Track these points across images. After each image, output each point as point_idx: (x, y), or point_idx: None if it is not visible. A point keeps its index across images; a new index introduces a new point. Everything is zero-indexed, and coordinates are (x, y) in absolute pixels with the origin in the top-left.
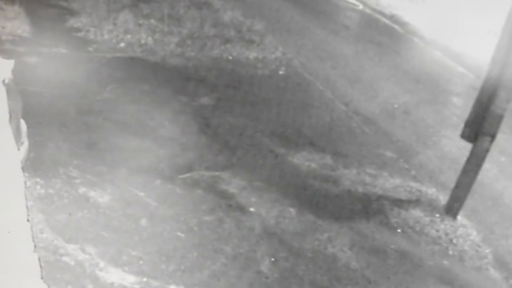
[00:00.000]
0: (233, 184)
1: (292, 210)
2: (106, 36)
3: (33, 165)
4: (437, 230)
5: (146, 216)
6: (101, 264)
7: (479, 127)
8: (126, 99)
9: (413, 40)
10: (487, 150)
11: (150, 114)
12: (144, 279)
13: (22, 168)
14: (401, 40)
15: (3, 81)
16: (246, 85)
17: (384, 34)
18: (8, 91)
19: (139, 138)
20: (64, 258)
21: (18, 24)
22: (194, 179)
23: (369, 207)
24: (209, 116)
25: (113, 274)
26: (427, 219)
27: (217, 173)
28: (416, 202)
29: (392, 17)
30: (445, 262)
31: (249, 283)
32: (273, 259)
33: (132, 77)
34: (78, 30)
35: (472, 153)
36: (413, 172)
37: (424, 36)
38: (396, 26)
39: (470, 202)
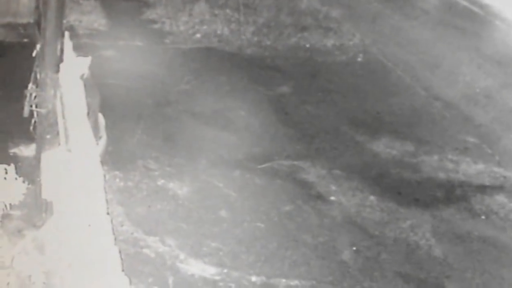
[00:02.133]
0: (312, 173)
1: (373, 198)
2: (181, 27)
3: (111, 158)
4: None
5: (225, 207)
6: (181, 256)
7: None
8: (203, 90)
9: (495, 22)
10: None
11: (228, 104)
12: (225, 270)
13: (101, 162)
14: (482, 23)
15: (81, 76)
16: (324, 73)
17: (464, 17)
18: (85, 86)
19: (217, 128)
20: (145, 251)
21: (94, 17)
22: (273, 169)
23: (451, 194)
24: (287, 105)
25: (193, 266)
26: None
27: (296, 162)
28: (500, 187)
29: (471, 0)
30: None
31: (331, 272)
32: (354, 248)
33: (209, 68)
34: (154, 22)
35: None
36: (496, 157)
37: (506, 18)
38: (476, 9)
39: None
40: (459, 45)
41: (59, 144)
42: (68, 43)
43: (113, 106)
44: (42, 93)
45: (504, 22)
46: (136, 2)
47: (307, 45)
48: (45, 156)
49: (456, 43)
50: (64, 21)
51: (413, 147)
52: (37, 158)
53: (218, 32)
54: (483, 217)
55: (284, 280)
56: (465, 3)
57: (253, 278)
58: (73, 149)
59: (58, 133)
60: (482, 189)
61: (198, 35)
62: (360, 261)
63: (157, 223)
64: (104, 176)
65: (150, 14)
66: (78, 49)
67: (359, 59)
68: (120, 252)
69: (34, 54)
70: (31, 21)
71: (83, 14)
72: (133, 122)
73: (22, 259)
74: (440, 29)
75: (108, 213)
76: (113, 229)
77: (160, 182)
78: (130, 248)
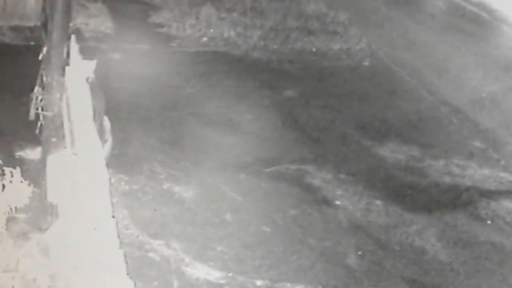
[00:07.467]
0: (318, 177)
1: (378, 202)
2: (188, 31)
3: (117, 161)
4: None
5: (231, 211)
6: (187, 260)
7: None
8: (210, 93)
9: (502, 27)
10: None
11: (234, 108)
12: (230, 274)
13: (107, 165)
14: (489, 28)
15: (87, 79)
16: (331, 77)
17: (471, 22)
18: (91, 90)
19: (223, 132)
20: (150, 254)
21: (101, 21)
22: (279, 173)
23: (457, 199)
24: (294, 109)
25: (198, 270)
26: None
27: (302, 167)
28: (506, 192)
29: (479, 4)
30: None
31: (336, 277)
32: (360, 253)
33: (215, 72)
34: (161, 25)
35: None
36: (503, 162)
37: None
38: (483, 14)
39: None
40: (466, 50)
41: (65, 147)
42: (74, 46)
43: (119, 109)
44: (48, 96)
45: (511, 27)
46: (143, 5)
47: (314, 49)
48: (51, 159)
49: (463, 47)
50: (71, 24)
51: (419, 152)
52: (43, 161)
53: (225, 35)
54: (489, 222)
55: (289, 285)
56: (473, 8)
57: (258, 282)
58: (79, 152)
59: (63, 136)
60: (488, 194)
61: (204, 39)
62: (365, 266)
63: (163, 226)
64: (110, 179)
65: (156, 17)
66: (84, 52)
67: (365, 63)
68: (125, 255)
69: (40, 57)
70: (38, 24)
71: (90, 17)
72: (139, 125)
73: (27, 262)
74: (448, 33)
75: (113, 217)
76: (118, 233)
77: (166, 185)
78: (135, 251)
